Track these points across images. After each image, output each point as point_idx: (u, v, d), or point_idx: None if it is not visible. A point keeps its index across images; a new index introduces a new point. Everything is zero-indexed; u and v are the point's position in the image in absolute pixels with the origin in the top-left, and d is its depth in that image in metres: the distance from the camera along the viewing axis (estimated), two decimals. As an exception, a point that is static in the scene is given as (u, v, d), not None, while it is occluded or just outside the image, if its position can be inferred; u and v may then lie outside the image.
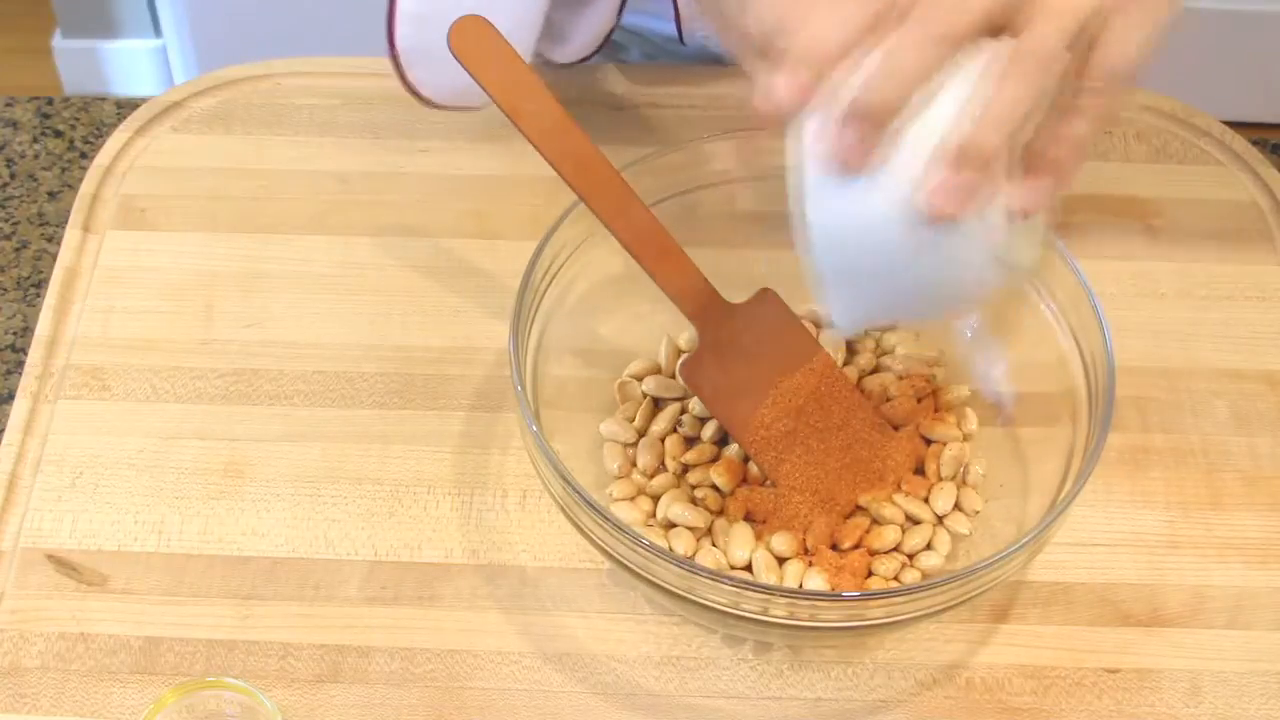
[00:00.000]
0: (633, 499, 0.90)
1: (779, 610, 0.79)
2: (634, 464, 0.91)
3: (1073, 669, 0.88)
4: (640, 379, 0.94)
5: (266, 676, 0.86)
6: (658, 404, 0.94)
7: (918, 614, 0.80)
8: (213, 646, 0.87)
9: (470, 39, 0.84)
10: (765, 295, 0.91)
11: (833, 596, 0.84)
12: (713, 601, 0.79)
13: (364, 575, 0.90)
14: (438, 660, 0.87)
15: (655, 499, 0.90)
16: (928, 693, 0.87)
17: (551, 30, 0.91)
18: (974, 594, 0.80)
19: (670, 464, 0.91)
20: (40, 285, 2.29)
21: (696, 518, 0.88)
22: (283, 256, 1.05)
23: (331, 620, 0.88)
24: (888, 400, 0.93)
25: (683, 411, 0.93)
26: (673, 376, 0.94)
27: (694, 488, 0.90)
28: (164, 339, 1.00)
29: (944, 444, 0.92)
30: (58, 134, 2.50)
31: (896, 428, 0.93)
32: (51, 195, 2.41)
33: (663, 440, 0.92)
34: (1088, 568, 0.92)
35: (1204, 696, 0.87)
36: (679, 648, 0.88)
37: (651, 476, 0.91)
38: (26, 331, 2.23)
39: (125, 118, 1.13)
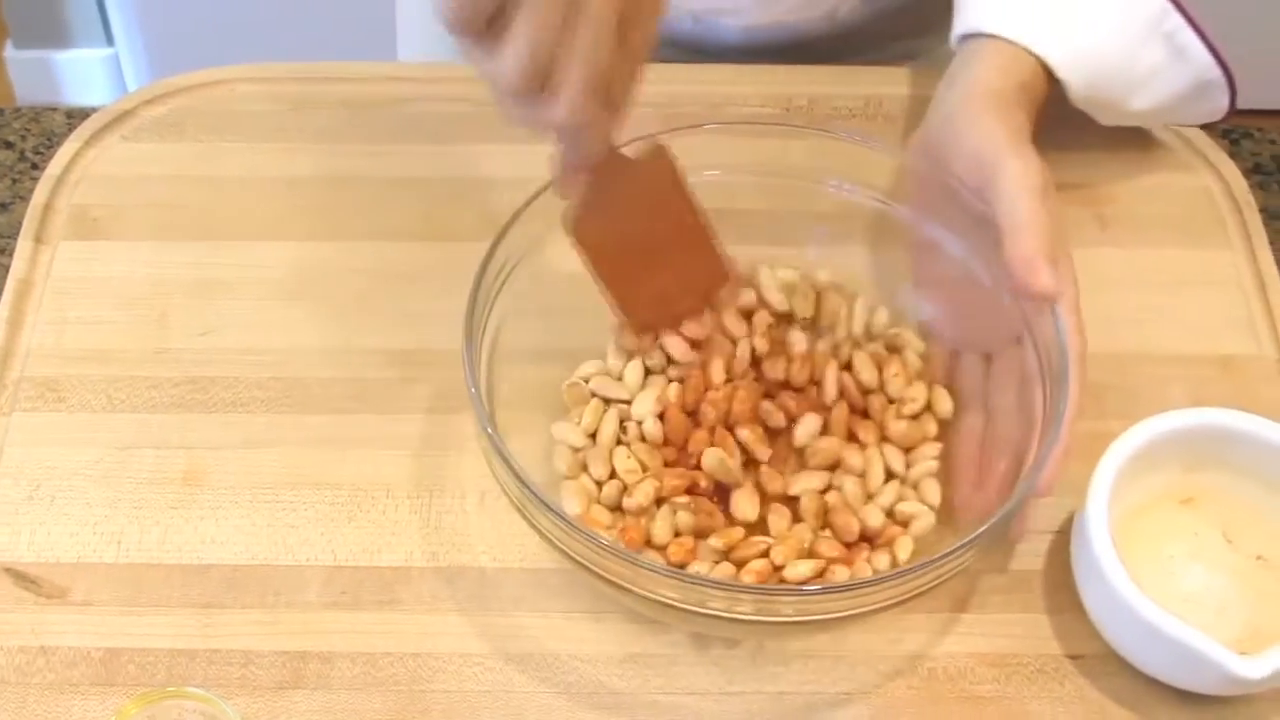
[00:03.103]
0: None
1: (744, 606, 0.80)
2: (584, 467, 0.91)
3: (1035, 656, 0.88)
4: (589, 381, 0.94)
5: (228, 684, 0.86)
6: (609, 403, 0.93)
7: (872, 607, 0.80)
8: (174, 656, 0.87)
9: None
10: (658, 152, 0.89)
11: (786, 590, 0.84)
12: (667, 598, 0.79)
13: (324, 580, 0.90)
14: (400, 664, 0.87)
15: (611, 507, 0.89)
16: (890, 684, 0.87)
17: None
18: (930, 586, 0.80)
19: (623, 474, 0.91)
20: (-5, 298, 2.27)
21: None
22: (236, 263, 1.04)
23: (292, 626, 0.88)
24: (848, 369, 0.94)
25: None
26: (619, 379, 0.94)
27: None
28: (119, 349, 1.00)
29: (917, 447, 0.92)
30: (8, 145, 2.49)
31: (866, 412, 0.93)
32: (3, 207, 2.40)
33: (611, 450, 0.91)
34: (1048, 554, 0.92)
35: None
36: (641, 645, 0.88)
37: (601, 485, 0.90)
38: (-17, 344, 2.21)
39: (76, 127, 1.12)
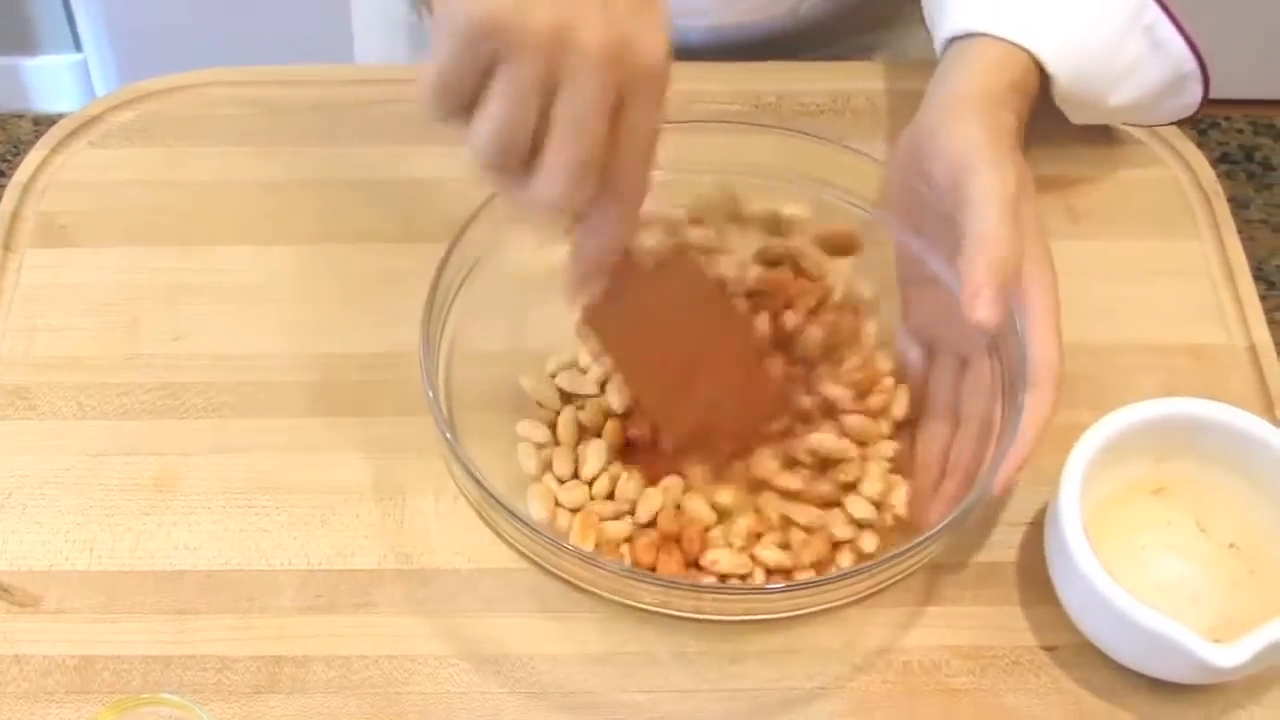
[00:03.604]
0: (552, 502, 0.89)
1: (706, 605, 0.80)
2: (549, 466, 0.91)
3: (1010, 648, 0.89)
4: (554, 376, 0.94)
5: (204, 690, 0.86)
6: (573, 400, 0.93)
7: (826, 605, 0.80)
8: (149, 663, 0.87)
9: None
10: (683, 261, 0.89)
11: (752, 590, 0.84)
12: (630, 598, 0.80)
13: (298, 585, 0.90)
14: (375, 667, 0.87)
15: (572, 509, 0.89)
16: (865, 677, 0.87)
17: None
18: (891, 580, 0.81)
19: (585, 471, 0.91)
20: (-34, 306, 2.26)
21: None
22: (206, 268, 1.04)
23: (267, 631, 0.88)
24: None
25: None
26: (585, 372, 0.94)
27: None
28: (89, 356, 1.00)
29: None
30: (-25, 153, 2.48)
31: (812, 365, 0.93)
32: (-28, 215, 2.39)
33: (575, 447, 0.92)
34: (1021, 546, 0.92)
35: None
36: (616, 645, 0.88)
37: (563, 483, 0.90)
38: (-46, 353, 2.21)
39: (44, 134, 1.12)
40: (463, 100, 0.71)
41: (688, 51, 1.20)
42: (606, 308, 0.84)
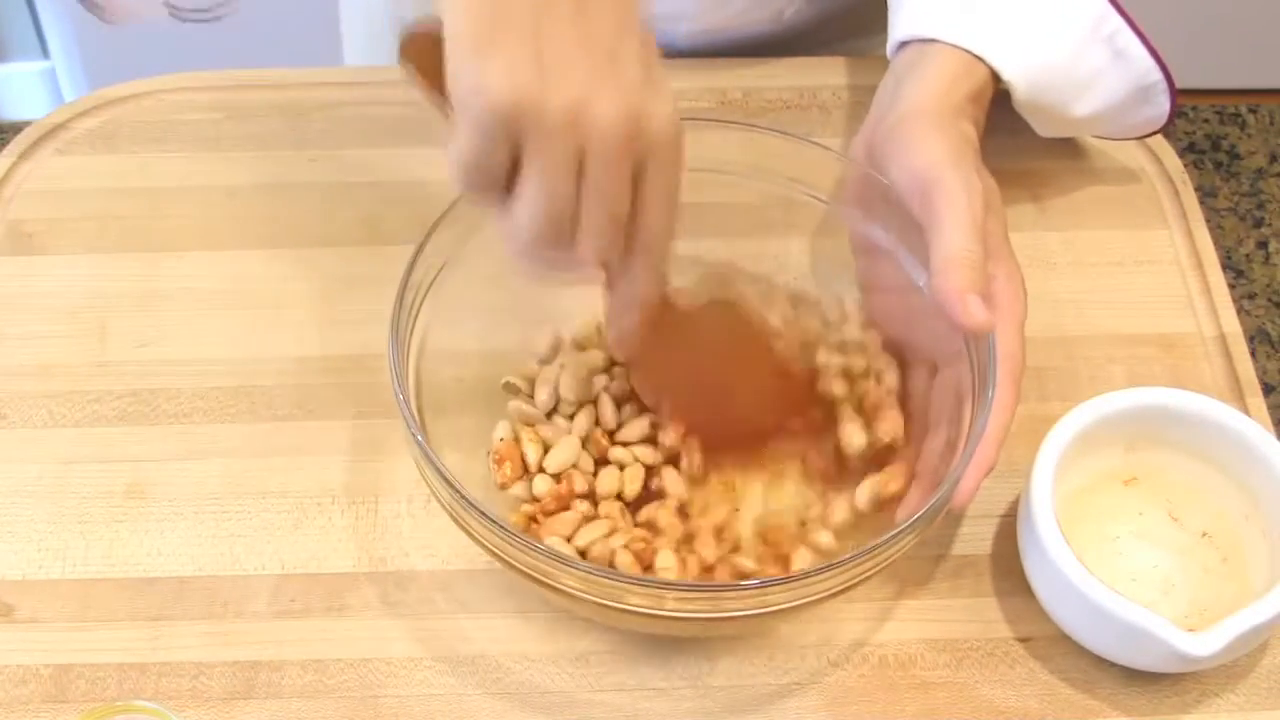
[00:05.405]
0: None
1: (683, 604, 0.80)
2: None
3: (985, 640, 0.89)
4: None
5: (179, 697, 0.86)
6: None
7: (800, 601, 0.80)
8: (124, 670, 0.87)
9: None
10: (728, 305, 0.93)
11: (723, 588, 0.84)
12: (592, 596, 0.79)
13: (272, 589, 0.90)
14: (350, 670, 0.87)
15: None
16: (841, 672, 0.87)
17: None
18: (862, 577, 0.80)
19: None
20: (-63, 316, 2.25)
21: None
22: (175, 274, 1.04)
23: (242, 636, 0.88)
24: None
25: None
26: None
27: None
28: (59, 363, 0.99)
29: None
30: (-55, 162, 2.47)
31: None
32: (-59, 224, 2.38)
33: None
34: (995, 538, 0.92)
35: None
36: (591, 644, 0.88)
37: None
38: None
39: (8, 143, 1.12)
40: (493, 178, 0.73)
41: (672, 55, 1.21)
42: (649, 354, 0.88)
